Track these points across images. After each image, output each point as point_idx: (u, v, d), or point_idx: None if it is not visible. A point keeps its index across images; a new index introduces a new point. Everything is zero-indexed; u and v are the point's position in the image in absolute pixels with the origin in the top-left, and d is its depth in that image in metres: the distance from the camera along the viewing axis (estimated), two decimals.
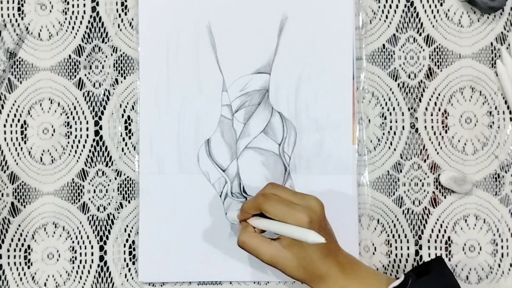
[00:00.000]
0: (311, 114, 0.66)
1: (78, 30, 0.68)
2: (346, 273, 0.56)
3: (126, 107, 0.67)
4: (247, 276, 0.66)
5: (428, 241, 0.66)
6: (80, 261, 0.67)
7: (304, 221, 0.53)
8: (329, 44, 0.66)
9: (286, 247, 0.55)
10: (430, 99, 0.67)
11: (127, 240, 0.66)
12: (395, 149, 0.67)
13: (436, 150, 0.67)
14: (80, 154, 0.67)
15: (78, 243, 0.67)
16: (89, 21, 0.68)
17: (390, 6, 0.67)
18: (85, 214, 0.66)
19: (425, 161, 0.67)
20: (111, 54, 0.68)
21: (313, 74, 0.66)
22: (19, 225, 0.67)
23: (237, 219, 0.60)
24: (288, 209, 0.54)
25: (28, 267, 0.67)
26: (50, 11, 0.68)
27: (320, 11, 0.67)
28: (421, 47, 0.67)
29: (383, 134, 0.67)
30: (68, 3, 0.68)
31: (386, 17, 0.67)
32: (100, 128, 0.67)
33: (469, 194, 0.66)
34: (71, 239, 0.67)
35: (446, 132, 0.67)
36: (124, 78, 0.67)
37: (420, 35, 0.67)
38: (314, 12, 0.67)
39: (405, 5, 0.67)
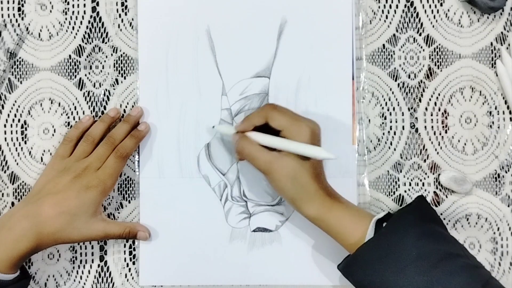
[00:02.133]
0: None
1: (78, 30, 0.68)
2: (332, 199, 0.58)
3: (126, 107, 0.67)
4: (247, 279, 0.66)
5: None
6: (80, 261, 0.67)
7: (307, 132, 0.57)
8: (328, 48, 0.66)
9: (283, 156, 0.56)
10: (430, 99, 0.67)
11: (127, 240, 0.66)
12: (395, 149, 0.67)
13: (436, 150, 0.67)
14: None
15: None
16: (89, 21, 0.68)
17: (390, 6, 0.68)
18: None
19: (425, 161, 0.67)
20: (111, 54, 0.68)
21: (313, 78, 0.66)
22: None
23: (231, 131, 0.61)
24: (294, 120, 0.57)
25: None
26: (50, 11, 0.68)
27: (319, 15, 0.67)
28: (421, 47, 0.67)
29: (383, 134, 0.67)
30: (68, 3, 0.68)
31: (386, 17, 0.67)
32: None
33: (469, 194, 0.66)
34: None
35: (446, 132, 0.67)
36: (124, 78, 0.67)
37: (420, 35, 0.67)
38: (313, 16, 0.67)
39: (405, 5, 0.68)
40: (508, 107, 0.67)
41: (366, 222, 0.56)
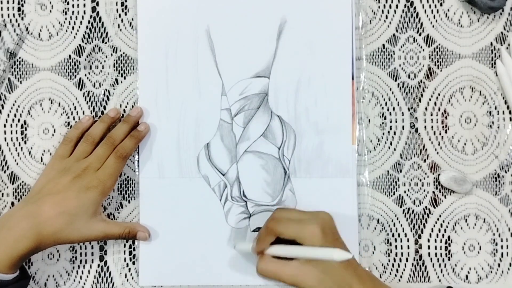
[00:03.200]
0: (311, 118, 0.66)
1: (78, 30, 0.68)
2: (365, 285, 0.56)
3: (126, 107, 0.67)
4: (247, 280, 0.66)
5: (428, 240, 0.66)
6: (80, 261, 0.67)
7: (317, 233, 0.55)
8: (328, 47, 0.66)
9: (305, 264, 0.56)
10: (430, 99, 0.67)
11: (127, 240, 0.66)
12: (395, 149, 0.67)
13: (436, 150, 0.67)
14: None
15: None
16: (89, 21, 0.68)
17: (390, 6, 0.68)
18: None
19: (425, 161, 0.67)
20: (111, 54, 0.68)
21: (312, 78, 0.66)
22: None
23: (251, 251, 0.61)
24: (300, 225, 0.56)
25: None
26: (50, 11, 0.68)
27: (319, 15, 0.66)
28: (421, 47, 0.67)
29: (383, 134, 0.67)
30: (68, 3, 0.68)
31: (386, 17, 0.67)
32: None
33: (469, 194, 0.66)
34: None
35: (446, 132, 0.67)
36: (124, 78, 0.67)
37: (420, 35, 0.67)
38: (313, 16, 0.66)
39: (405, 5, 0.67)
40: (508, 107, 0.67)
41: None
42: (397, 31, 0.67)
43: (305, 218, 0.57)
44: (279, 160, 0.66)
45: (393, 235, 0.66)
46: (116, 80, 0.68)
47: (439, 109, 0.67)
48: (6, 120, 0.67)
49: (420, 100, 0.67)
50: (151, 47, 0.67)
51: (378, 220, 0.66)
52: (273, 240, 0.58)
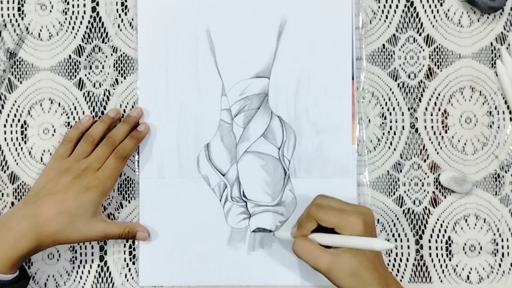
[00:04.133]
0: (311, 118, 0.66)
1: (78, 30, 0.68)
2: (388, 286, 0.56)
3: (126, 107, 0.67)
4: (246, 280, 0.66)
5: (429, 241, 0.66)
6: (80, 261, 0.67)
7: (359, 225, 0.55)
8: (328, 48, 0.66)
9: (341, 254, 0.55)
10: (430, 99, 0.67)
11: (127, 240, 0.66)
12: (395, 149, 0.67)
13: (436, 150, 0.67)
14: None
15: None
16: (89, 21, 0.68)
17: (390, 6, 0.68)
18: None
19: (425, 161, 0.67)
20: (111, 54, 0.68)
21: (313, 78, 0.66)
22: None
23: (291, 237, 0.60)
24: (342, 214, 0.56)
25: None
26: (50, 11, 0.68)
27: (319, 15, 0.66)
28: (421, 47, 0.67)
29: (383, 134, 0.67)
30: (68, 3, 0.68)
31: (386, 17, 0.67)
32: None
33: (469, 194, 0.66)
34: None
35: (446, 132, 0.67)
36: (124, 78, 0.67)
37: (420, 35, 0.67)
38: (313, 16, 0.66)
39: (405, 5, 0.67)
40: (508, 107, 0.67)
41: None
42: (397, 31, 0.67)
43: (347, 209, 0.57)
44: (279, 160, 0.66)
45: (393, 235, 0.66)
46: (116, 80, 0.68)
47: (439, 109, 0.67)
48: (6, 120, 0.67)
49: (420, 100, 0.67)
50: (151, 47, 0.67)
51: (378, 220, 0.66)
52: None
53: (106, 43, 0.68)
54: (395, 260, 0.66)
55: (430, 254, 0.66)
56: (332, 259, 0.55)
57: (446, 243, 0.66)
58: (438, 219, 0.66)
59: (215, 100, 0.67)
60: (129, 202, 0.67)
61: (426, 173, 0.67)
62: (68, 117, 0.67)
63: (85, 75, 0.68)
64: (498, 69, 0.66)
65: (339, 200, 0.58)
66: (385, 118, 0.67)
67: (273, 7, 0.67)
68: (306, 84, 0.66)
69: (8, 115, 0.68)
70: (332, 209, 0.57)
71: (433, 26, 0.67)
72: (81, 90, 0.68)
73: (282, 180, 0.66)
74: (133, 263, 0.66)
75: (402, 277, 0.66)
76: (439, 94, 0.67)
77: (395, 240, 0.66)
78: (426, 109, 0.67)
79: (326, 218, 0.56)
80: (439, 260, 0.66)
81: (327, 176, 0.66)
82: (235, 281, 0.66)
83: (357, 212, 0.56)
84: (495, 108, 0.67)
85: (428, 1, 0.67)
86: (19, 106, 0.67)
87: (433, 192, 0.67)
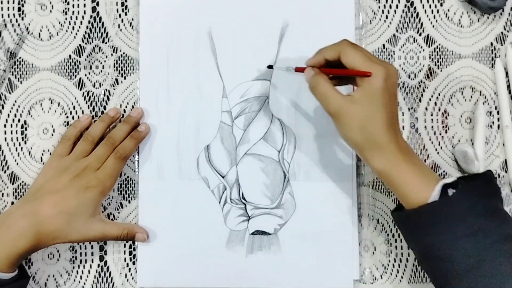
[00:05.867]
0: (311, 121, 0.66)
1: (78, 30, 0.68)
2: (402, 154, 0.55)
3: (126, 107, 0.67)
4: (245, 283, 0.65)
5: None
6: (80, 261, 0.67)
7: (381, 75, 0.53)
8: None
9: (356, 103, 0.54)
10: (430, 99, 0.67)
11: (126, 241, 0.66)
12: None
13: (436, 150, 0.67)
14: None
15: None
16: (89, 21, 0.68)
17: (390, 6, 0.67)
18: None
19: (425, 161, 0.67)
20: (111, 54, 0.68)
21: None
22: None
23: (305, 64, 0.59)
24: (369, 59, 0.54)
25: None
26: (50, 11, 0.68)
27: (321, 19, 0.66)
28: (421, 47, 0.67)
29: None
30: (68, 3, 0.68)
31: (386, 17, 0.67)
32: None
33: None
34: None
35: (446, 132, 0.67)
36: (124, 78, 0.67)
37: (420, 35, 0.67)
38: (315, 20, 0.66)
39: (405, 5, 0.67)
40: (508, 107, 0.67)
41: (433, 184, 0.53)
42: (397, 31, 0.67)
43: (375, 59, 0.55)
44: (279, 163, 0.66)
45: (393, 236, 0.66)
46: (116, 80, 0.68)
47: (439, 109, 0.67)
48: (6, 120, 0.68)
49: (420, 100, 0.67)
50: (153, 48, 0.67)
51: (378, 220, 0.66)
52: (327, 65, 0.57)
53: (106, 43, 0.68)
54: (394, 260, 0.66)
55: None
56: (343, 104, 0.54)
57: None
58: None
59: (215, 102, 0.67)
60: (129, 202, 0.67)
61: None
62: (68, 117, 0.67)
63: (85, 75, 0.68)
64: (496, 67, 0.66)
65: (369, 52, 0.57)
66: None
67: (275, 10, 0.67)
68: (307, 88, 0.66)
69: (8, 115, 0.68)
70: (362, 51, 0.55)
71: (433, 26, 0.67)
72: (81, 90, 0.68)
73: (282, 183, 0.66)
74: (133, 263, 0.66)
75: (402, 277, 0.66)
76: (439, 94, 0.67)
77: (395, 240, 0.66)
78: (426, 109, 0.67)
79: (352, 55, 0.54)
80: None
81: (327, 179, 0.65)
82: (233, 284, 0.65)
83: (383, 65, 0.54)
84: (495, 108, 0.67)
85: (428, 1, 0.67)
86: (19, 106, 0.68)
87: None
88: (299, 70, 0.60)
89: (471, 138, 0.67)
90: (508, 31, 0.67)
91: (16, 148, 0.67)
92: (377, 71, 0.53)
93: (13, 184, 0.67)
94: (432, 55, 0.67)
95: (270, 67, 0.65)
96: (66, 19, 0.68)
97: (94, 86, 0.68)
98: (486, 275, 0.51)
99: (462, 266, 0.52)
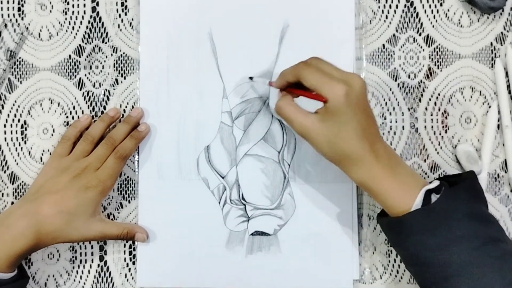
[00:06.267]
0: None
1: (78, 30, 0.68)
2: (381, 163, 0.55)
3: (126, 107, 0.67)
4: (244, 283, 0.65)
5: None
6: (80, 261, 0.67)
7: (340, 93, 0.52)
8: (330, 51, 0.66)
9: (321, 121, 0.54)
10: (430, 99, 0.67)
11: (126, 241, 0.66)
12: (395, 149, 0.67)
13: (436, 150, 0.67)
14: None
15: None
16: (89, 21, 0.68)
17: (390, 6, 0.67)
18: None
19: (425, 161, 0.67)
20: (111, 54, 0.68)
21: None
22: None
23: (267, 83, 0.60)
24: (326, 78, 0.54)
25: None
26: (50, 11, 0.68)
27: (321, 20, 0.66)
28: (421, 47, 0.67)
29: (383, 134, 0.67)
30: (68, 3, 0.68)
31: (386, 17, 0.67)
32: None
33: None
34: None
35: (446, 132, 0.67)
36: (124, 78, 0.67)
37: (420, 35, 0.67)
38: (315, 21, 0.66)
39: (405, 5, 0.67)
40: (508, 107, 0.67)
41: (416, 191, 0.54)
42: (397, 31, 0.67)
43: (335, 75, 0.54)
44: (279, 164, 0.66)
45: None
46: (116, 80, 0.68)
47: (439, 109, 0.67)
48: (6, 120, 0.68)
49: (420, 100, 0.67)
50: (153, 48, 0.67)
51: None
52: (294, 84, 0.57)
53: (106, 43, 0.68)
54: (394, 260, 0.66)
55: None
56: (309, 125, 0.54)
57: None
58: None
59: (216, 102, 0.67)
60: (129, 202, 0.67)
61: (426, 173, 0.67)
62: (68, 117, 0.67)
63: (85, 75, 0.68)
64: (496, 67, 0.66)
65: (333, 65, 0.56)
66: (385, 118, 0.67)
67: (276, 11, 0.67)
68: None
69: (8, 115, 0.68)
70: (320, 71, 0.54)
71: (433, 26, 0.67)
72: (81, 90, 0.68)
73: (282, 183, 0.66)
74: (133, 263, 0.66)
75: (401, 277, 0.66)
76: (439, 94, 0.67)
77: None
78: (426, 109, 0.67)
79: (309, 78, 0.54)
80: None
81: (326, 180, 0.65)
82: (232, 284, 0.65)
83: (344, 81, 0.53)
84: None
85: (428, 1, 0.67)
86: (19, 106, 0.68)
87: None
88: (271, 84, 0.61)
89: (471, 138, 0.67)
90: (508, 31, 0.67)
91: (16, 148, 0.67)
92: (335, 90, 0.53)
93: (13, 184, 0.67)
94: (432, 55, 0.67)
95: (250, 78, 0.66)
96: (66, 19, 0.68)
97: (94, 86, 0.68)
98: (472, 279, 0.51)
99: (447, 272, 0.52)
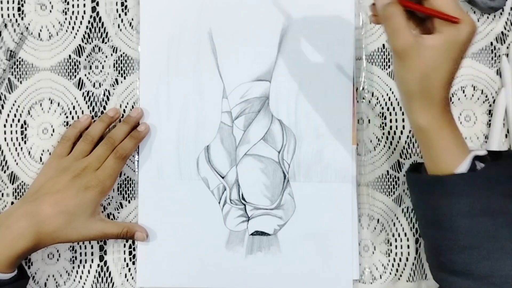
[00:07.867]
0: (311, 122, 0.66)
1: (78, 30, 0.68)
2: (449, 116, 0.52)
3: (126, 107, 0.67)
4: (244, 283, 0.65)
5: None
6: (80, 261, 0.67)
7: (468, 27, 0.48)
8: (330, 51, 0.66)
9: (429, 47, 0.48)
10: None
11: (127, 240, 0.66)
12: (395, 149, 0.67)
13: None
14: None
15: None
16: (89, 21, 0.68)
17: None
18: None
19: None
20: (111, 54, 0.68)
21: (313, 82, 0.66)
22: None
23: None
24: (459, 6, 0.49)
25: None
26: (50, 11, 0.68)
27: (321, 19, 0.66)
28: None
29: (383, 134, 0.67)
30: (68, 3, 0.68)
31: None
32: None
33: None
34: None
35: None
36: (124, 78, 0.67)
37: None
38: (315, 20, 0.66)
39: None
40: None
41: (464, 153, 0.52)
42: None
43: (464, 11, 0.49)
44: (279, 164, 0.66)
45: (393, 235, 0.66)
46: (116, 80, 0.68)
47: None
48: (6, 120, 0.67)
49: None
50: (153, 48, 0.67)
51: (378, 220, 0.66)
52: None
53: (106, 43, 0.68)
54: (394, 260, 0.66)
55: None
56: (413, 44, 0.48)
57: None
58: None
59: (215, 103, 0.67)
60: (129, 202, 0.67)
61: None
62: (68, 117, 0.67)
63: (85, 75, 0.68)
64: (502, 63, 0.66)
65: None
66: (385, 118, 0.67)
67: (276, 11, 0.67)
68: (307, 88, 0.66)
69: (8, 115, 0.68)
70: None
71: None
72: (81, 90, 0.68)
73: (282, 183, 0.66)
74: (133, 263, 0.66)
75: (401, 276, 0.66)
76: None
77: (395, 240, 0.66)
78: None
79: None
80: None
81: (327, 180, 0.65)
82: (232, 284, 0.65)
83: (472, 19, 0.49)
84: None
85: None
86: (19, 106, 0.68)
87: None
88: None
89: (470, 136, 0.67)
90: (508, 31, 0.67)
91: (16, 148, 0.67)
92: (467, 22, 0.48)
93: (13, 184, 0.67)
94: None
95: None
96: (66, 19, 0.68)
97: (94, 86, 0.68)
98: (488, 255, 0.50)
99: (467, 241, 0.51)
